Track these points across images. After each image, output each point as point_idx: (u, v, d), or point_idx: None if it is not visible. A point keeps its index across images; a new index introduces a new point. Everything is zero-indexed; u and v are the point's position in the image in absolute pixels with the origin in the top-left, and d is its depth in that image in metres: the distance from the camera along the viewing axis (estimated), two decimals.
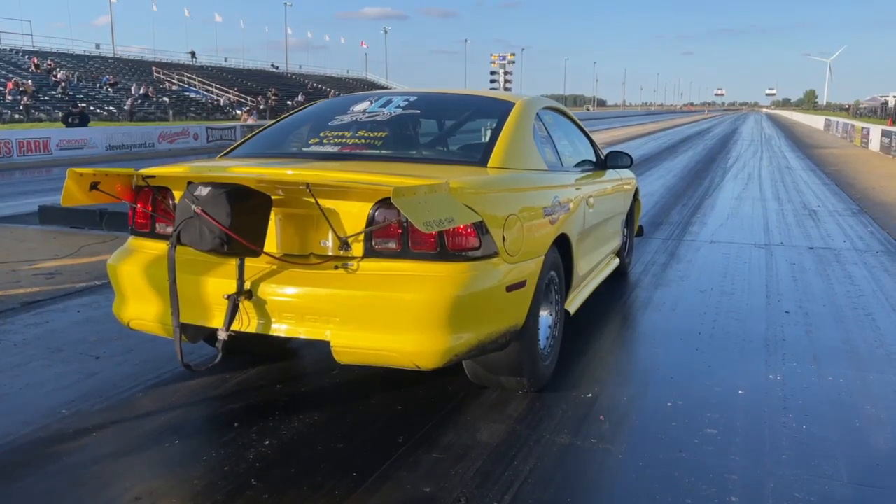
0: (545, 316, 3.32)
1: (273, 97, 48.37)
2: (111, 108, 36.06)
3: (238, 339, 2.88)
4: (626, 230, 5.38)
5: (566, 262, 3.52)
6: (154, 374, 3.52)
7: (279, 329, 2.69)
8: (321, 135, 3.47)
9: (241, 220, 2.53)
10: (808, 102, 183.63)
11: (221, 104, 44.40)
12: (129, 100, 36.71)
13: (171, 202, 2.95)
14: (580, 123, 4.80)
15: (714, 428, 2.96)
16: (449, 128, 3.85)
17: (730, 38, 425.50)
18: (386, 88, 72.07)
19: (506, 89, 16.19)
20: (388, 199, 2.40)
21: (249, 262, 2.70)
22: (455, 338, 2.57)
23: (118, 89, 39.74)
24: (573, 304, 3.69)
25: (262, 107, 44.43)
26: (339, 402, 3.21)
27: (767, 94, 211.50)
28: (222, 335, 2.73)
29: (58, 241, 6.75)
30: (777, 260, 6.19)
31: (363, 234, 2.63)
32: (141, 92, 39.41)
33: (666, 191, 11.25)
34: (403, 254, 2.63)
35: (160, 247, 2.90)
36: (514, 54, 16.50)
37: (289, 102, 49.27)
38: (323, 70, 70.60)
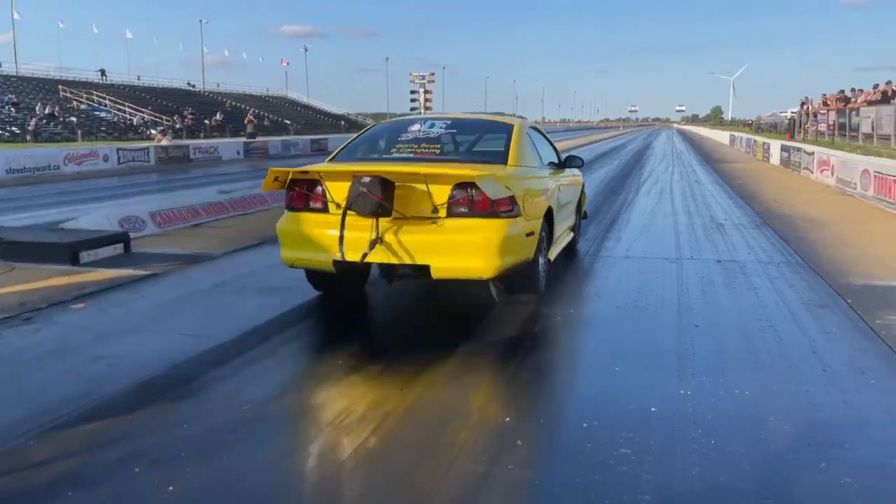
0: (540, 258, 5.05)
1: (190, 116, 47.04)
2: (14, 128, 34.21)
3: (341, 281, 5.12)
4: (576, 214, 7.11)
5: (549, 226, 5.32)
6: (48, 417, 3.29)
7: (397, 259, 4.35)
8: (397, 146, 5.26)
9: (387, 193, 4.24)
10: (715, 118, 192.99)
11: (135, 124, 42.82)
12: (34, 120, 34.92)
13: (318, 188, 4.70)
14: (546, 135, 6.48)
15: (628, 447, 2.99)
16: (475, 140, 5.55)
17: (641, 58, 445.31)
18: (308, 106, 71.31)
19: (426, 108, 16.30)
20: (462, 182, 4.31)
21: (381, 222, 4.39)
22: (501, 260, 4.33)
23: (21, 109, 37.74)
24: (553, 254, 5.64)
25: (178, 126, 43.14)
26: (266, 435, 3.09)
27: (678, 111, 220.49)
28: (360, 259, 4.42)
29: None
30: (687, 274, 6.40)
31: (447, 203, 4.35)
32: (46, 111, 37.56)
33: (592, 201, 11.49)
34: (471, 214, 4.35)
35: (305, 216, 4.70)
36: (433, 73, 17.02)
37: (206, 121, 48.05)
38: (242, 88, 69.19)
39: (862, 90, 24.68)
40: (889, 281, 6.03)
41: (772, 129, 52.58)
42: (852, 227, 9.12)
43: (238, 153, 27.49)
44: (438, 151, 5.21)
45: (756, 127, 62.86)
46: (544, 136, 6.42)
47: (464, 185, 4.38)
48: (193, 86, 63.25)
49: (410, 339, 4.55)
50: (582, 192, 7.48)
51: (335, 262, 4.56)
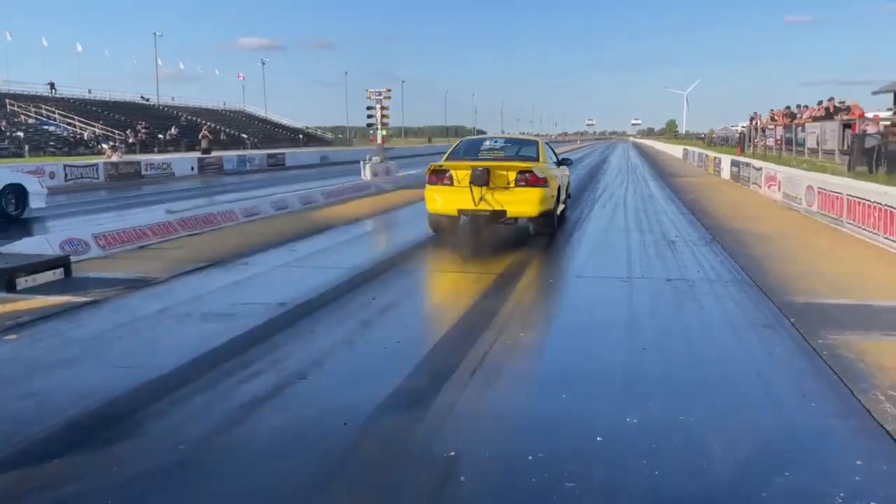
0: (556, 211, 8.93)
1: (143, 130, 46.12)
2: None
3: (450, 226, 9.22)
4: (565, 192, 11.12)
5: (557, 196, 9.09)
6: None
7: (490, 207, 8.41)
8: (481, 152, 9.27)
9: (488, 175, 8.29)
10: (670, 131, 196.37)
11: (85, 138, 41.79)
12: None
13: (447, 173, 8.68)
14: (551, 145, 10.91)
15: (573, 481, 2.96)
16: (518, 149, 9.54)
17: (598, 72, 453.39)
18: (266, 120, 70.54)
19: (382, 124, 16.16)
20: (523, 170, 8.53)
21: (488, 184, 8.50)
22: (540, 207, 8.45)
23: None
24: (558, 211, 9.21)
25: (130, 140, 42.24)
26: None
27: (633, 124, 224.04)
28: (474, 206, 8.59)
29: None
30: (638, 293, 6.45)
31: (514, 179, 8.30)
32: None
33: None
34: (526, 184, 8.28)
35: (441, 187, 8.61)
36: (390, 90, 17.02)
37: (160, 136, 47.17)
38: (198, 102, 68.17)
39: (807, 106, 25.45)
40: (831, 298, 6.15)
41: (724, 142, 53.81)
42: (798, 242, 9.33)
43: (192, 169, 26.96)
44: (503, 155, 9.52)
45: (709, 140, 64.29)
46: (551, 147, 10.91)
47: (524, 171, 8.63)
48: (147, 99, 62.09)
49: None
50: (568, 181, 12.02)
51: (459, 210, 8.84)
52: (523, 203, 8.68)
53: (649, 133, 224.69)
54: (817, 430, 3.51)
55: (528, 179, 8.64)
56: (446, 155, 9.75)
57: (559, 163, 10.75)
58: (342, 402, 3.87)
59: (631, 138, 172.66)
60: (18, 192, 12.66)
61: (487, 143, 10.08)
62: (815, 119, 22.94)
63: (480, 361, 4.51)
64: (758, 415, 3.67)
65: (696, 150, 35.55)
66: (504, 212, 8.71)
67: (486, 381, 4.20)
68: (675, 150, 45.82)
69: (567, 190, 11.67)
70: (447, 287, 6.88)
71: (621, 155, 48.71)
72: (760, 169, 17.01)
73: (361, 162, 18.52)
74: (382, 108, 18.73)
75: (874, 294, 6.27)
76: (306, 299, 6.17)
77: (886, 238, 8.56)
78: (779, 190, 14.48)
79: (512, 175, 8.68)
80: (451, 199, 8.82)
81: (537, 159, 9.44)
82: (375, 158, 18.50)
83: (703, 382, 4.16)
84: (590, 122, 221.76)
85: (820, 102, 23.65)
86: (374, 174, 17.95)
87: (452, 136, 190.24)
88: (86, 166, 22.16)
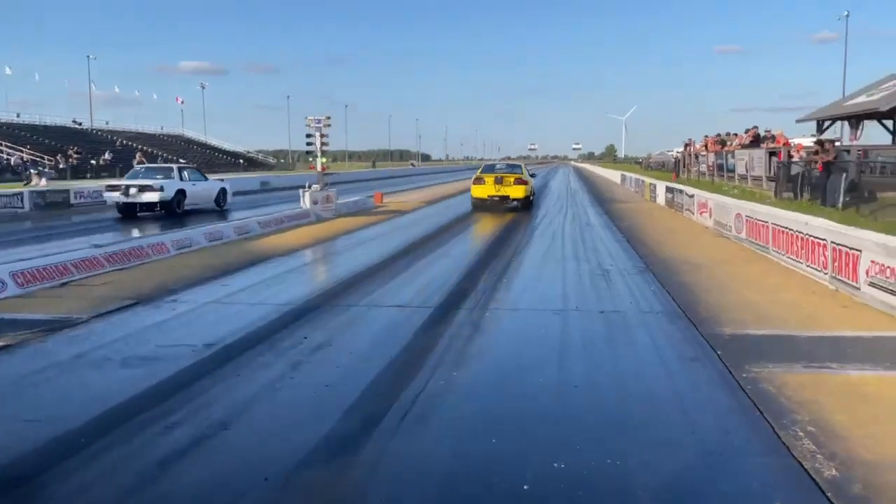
0: (532, 199, 20.67)
1: (75, 155, 44.64)
2: None
3: (484, 204, 19.28)
4: (533, 191, 21.30)
5: (532, 190, 20.90)
6: None
7: (501, 193, 18.99)
8: (495, 170, 20.24)
9: (502, 179, 19.20)
10: (609, 155, 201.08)
11: (12, 163, 40.18)
12: None
13: (482, 179, 19.42)
14: (525, 166, 21.90)
15: None
16: (514, 168, 20.88)
17: (538, 98, 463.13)
18: (206, 144, 69.27)
19: (322, 151, 16.22)
20: (517, 177, 19.45)
21: (501, 183, 19.19)
22: (526, 195, 19.28)
23: None
24: (531, 198, 20.51)
25: (61, 166, 40.79)
26: None
27: (574, 149, 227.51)
28: (494, 192, 19.24)
29: None
30: (571, 326, 6.50)
31: (514, 179, 19.10)
32: None
33: (474, 253, 11.56)
34: (518, 183, 18.93)
35: (479, 186, 19.22)
36: (329, 117, 17.08)
37: (93, 161, 45.75)
38: (134, 126, 66.52)
39: (737, 134, 26.49)
40: (758, 329, 6.31)
41: (660, 167, 55.70)
42: (728, 270, 9.59)
43: None
44: (506, 170, 19.86)
45: (646, 165, 66.38)
46: (525, 167, 21.13)
47: (517, 177, 19.01)
48: (80, 123, 60.25)
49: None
50: (533, 185, 21.26)
51: (489, 195, 18.75)
52: (517, 192, 18.96)
53: (590, 157, 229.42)
54: (739, 469, 3.56)
55: (519, 180, 19.14)
56: (478, 172, 20.32)
57: (531, 175, 21.45)
58: (264, 455, 3.74)
59: (572, 162, 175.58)
60: None
61: (497, 165, 21.86)
62: (743, 146, 23.92)
63: (411, 405, 4.44)
64: (684, 455, 3.71)
65: (634, 175, 36.38)
66: (508, 196, 18.97)
67: (417, 427, 4.13)
68: (613, 175, 46.86)
69: (533, 189, 21.44)
70: (381, 323, 6.78)
71: (562, 180, 49.52)
72: (693, 196, 17.46)
73: (301, 190, 18.36)
74: (322, 135, 18.62)
75: (796, 325, 6.47)
76: (236, 339, 5.99)
77: (808, 266, 8.89)
78: (710, 217, 14.92)
79: (512, 179, 19.16)
80: (484, 190, 19.10)
81: (522, 173, 19.93)
82: (315, 186, 18.38)
83: (631, 422, 4.18)
84: (532, 146, 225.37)
85: (747, 130, 24.59)
86: (314, 202, 17.81)
87: (397, 159, 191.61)
88: (11, 195, 21.23)
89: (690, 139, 34.75)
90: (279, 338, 6.08)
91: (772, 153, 19.96)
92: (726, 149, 25.98)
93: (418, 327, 6.47)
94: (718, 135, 28.52)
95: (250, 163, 70.45)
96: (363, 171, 63.38)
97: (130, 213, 18.24)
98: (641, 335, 6.17)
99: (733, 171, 24.28)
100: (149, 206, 18.16)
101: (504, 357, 5.62)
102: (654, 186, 25.15)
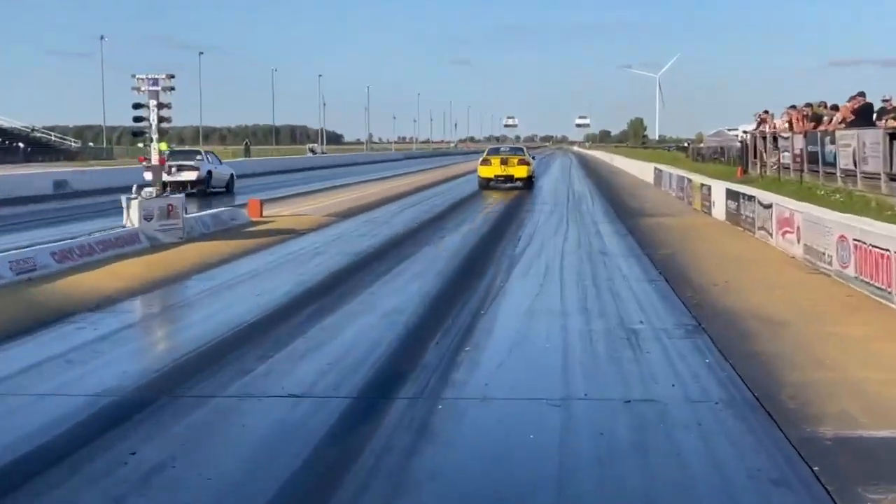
0: (534, 178, 46.35)
1: None
2: None
3: (490, 184, 41.55)
4: (535, 173, 47.30)
5: (533, 170, 47.69)
6: None
7: (506, 173, 42.37)
8: (501, 152, 47.31)
9: (507, 160, 43.55)
10: (635, 137, 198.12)
11: None
12: None
13: (489, 160, 43.80)
14: (527, 149, 50.73)
15: None
16: (517, 150, 48.39)
17: (517, 41, 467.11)
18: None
19: (161, 131, 15.74)
20: (520, 158, 44.58)
21: (506, 164, 42.01)
22: (528, 174, 42.86)
23: None
24: (533, 179, 45.29)
25: None
26: None
27: (578, 125, 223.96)
28: (500, 172, 42.46)
29: None
30: (577, 428, 6.42)
31: (518, 160, 43.14)
32: None
33: (417, 311, 11.26)
34: (523, 163, 42.31)
35: (486, 166, 42.25)
36: (172, 75, 16.82)
37: None
38: None
39: (836, 106, 25.27)
40: (876, 429, 6.24)
41: (717, 156, 53.92)
42: (826, 329, 9.58)
43: None
44: (510, 152, 45.42)
45: (695, 153, 65.11)
46: (526, 149, 49.30)
47: (521, 158, 41.90)
48: None
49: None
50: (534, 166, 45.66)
51: (495, 175, 39.94)
52: (521, 172, 38.60)
53: (603, 139, 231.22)
54: None
55: (522, 161, 39.74)
56: (484, 154, 42.37)
57: (532, 157, 42.96)
58: None
59: (575, 146, 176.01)
60: None
61: (502, 148, 48.17)
62: (848, 124, 22.70)
63: None
64: None
65: (674, 170, 36.69)
66: (512, 175, 38.37)
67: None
68: (642, 171, 47.75)
69: (534, 170, 42.24)
70: (263, 427, 6.58)
71: (559, 177, 50.25)
72: (770, 206, 17.36)
73: (124, 198, 17.60)
74: (160, 104, 18.05)
75: None
76: (12, 459, 5.83)
77: None
78: (798, 240, 14.90)
79: (516, 159, 39.70)
80: (490, 170, 38.71)
81: (525, 154, 41.90)
82: (149, 191, 17.77)
83: None
84: (510, 120, 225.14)
85: (851, 98, 23.27)
86: (146, 217, 17.13)
87: (287, 141, 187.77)
88: None
89: (766, 112, 33.93)
90: (90, 453, 5.98)
91: (893, 136, 19.55)
92: (822, 127, 25.15)
93: (324, 434, 6.37)
94: (809, 105, 27.24)
95: (37, 147, 69.73)
96: (232, 161, 62.71)
97: None
98: (692, 442, 6.08)
99: (834, 162, 23.39)
100: (183, 184, 28.91)
101: (463, 486, 5.46)
102: (709, 190, 25.35)
